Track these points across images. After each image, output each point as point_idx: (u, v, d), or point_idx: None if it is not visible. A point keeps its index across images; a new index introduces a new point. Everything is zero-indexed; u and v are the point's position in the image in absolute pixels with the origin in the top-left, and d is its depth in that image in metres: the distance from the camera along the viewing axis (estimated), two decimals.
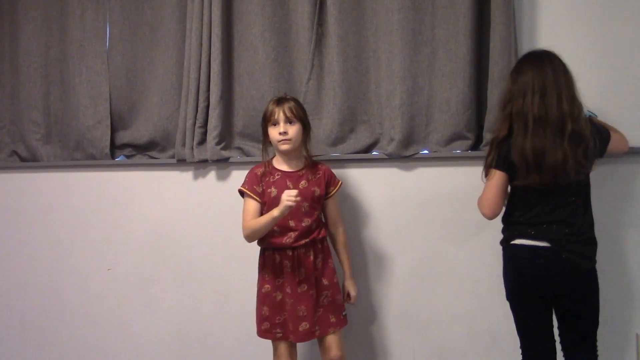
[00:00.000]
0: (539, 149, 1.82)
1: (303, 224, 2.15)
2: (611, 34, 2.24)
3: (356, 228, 2.49)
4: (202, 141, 2.59)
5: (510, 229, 1.97)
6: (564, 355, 1.98)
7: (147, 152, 2.79)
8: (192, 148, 2.58)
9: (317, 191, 2.20)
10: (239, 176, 2.41)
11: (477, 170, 2.19)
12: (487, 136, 2.29)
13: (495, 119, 2.07)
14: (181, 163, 2.64)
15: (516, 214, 1.95)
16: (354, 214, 2.50)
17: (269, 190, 2.17)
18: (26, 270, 2.95)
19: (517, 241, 1.93)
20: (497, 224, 2.14)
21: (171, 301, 2.73)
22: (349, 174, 2.50)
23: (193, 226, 2.67)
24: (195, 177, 2.67)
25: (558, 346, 2.01)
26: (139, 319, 2.78)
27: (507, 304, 2.03)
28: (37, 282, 2.93)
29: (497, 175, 1.94)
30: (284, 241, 2.15)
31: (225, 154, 2.57)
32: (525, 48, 2.29)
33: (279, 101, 2.18)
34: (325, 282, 2.19)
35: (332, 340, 2.18)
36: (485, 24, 2.31)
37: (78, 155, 2.87)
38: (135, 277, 2.77)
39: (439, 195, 2.40)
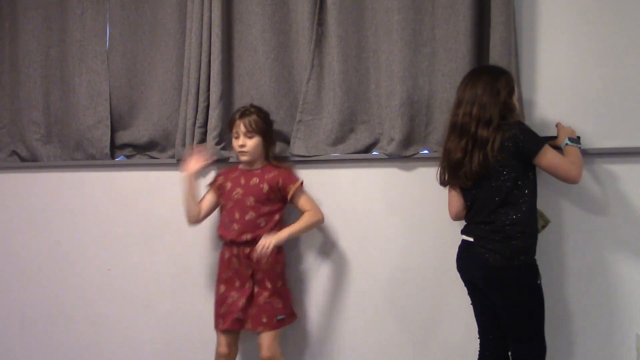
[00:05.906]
0: (447, 150, 2.02)
1: (246, 217, 2.29)
2: (611, 33, 2.24)
3: (355, 228, 2.50)
4: (202, 141, 2.59)
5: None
6: (510, 347, 2.03)
7: (147, 152, 2.79)
8: (192, 148, 2.58)
9: (266, 187, 2.32)
10: None
11: None
12: None
13: None
14: (181, 163, 2.64)
15: (465, 215, 2.12)
16: (354, 214, 2.50)
17: (227, 183, 2.40)
18: (26, 270, 2.95)
19: (461, 237, 2.09)
20: None
21: (171, 301, 2.73)
22: (349, 174, 2.50)
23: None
24: (195, 177, 2.67)
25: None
26: (138, 319, 2.78)
27: None
28: (37, 282, 2.93)
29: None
30: (228, 234, 2.33)
31: (225, 154, 2.57)
32: (525, 48, 2.30)
33: (243, 114, 2.35)
34: (267, 284, 2.31)
35: (264, 340, 2.30)
36: (485, 24, 2.31)
37: (78, 155, 2.87)
38: (135, 277, 2.77)
39: (439, 195, 2.39)
